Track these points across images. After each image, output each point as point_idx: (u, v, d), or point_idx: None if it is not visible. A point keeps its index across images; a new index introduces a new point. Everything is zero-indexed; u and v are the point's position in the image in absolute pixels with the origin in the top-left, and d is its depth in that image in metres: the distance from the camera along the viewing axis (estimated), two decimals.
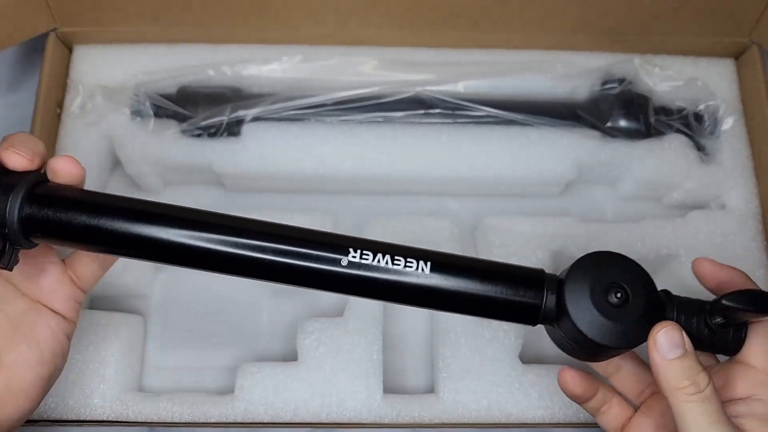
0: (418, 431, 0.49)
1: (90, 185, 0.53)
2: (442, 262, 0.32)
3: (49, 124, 0.53)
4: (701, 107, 0.56)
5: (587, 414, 0.48)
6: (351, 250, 0.32)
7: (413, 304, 0.33)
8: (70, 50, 0.57)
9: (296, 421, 0.47)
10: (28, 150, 0.33)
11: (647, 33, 0.57)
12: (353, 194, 0.58)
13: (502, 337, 0.49)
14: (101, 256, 0.38)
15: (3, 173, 0.33)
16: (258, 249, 0.32)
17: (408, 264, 0.32)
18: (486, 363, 0.49)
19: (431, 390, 0.52)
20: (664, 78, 0.56)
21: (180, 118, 0.54)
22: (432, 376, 0.52)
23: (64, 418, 0.47)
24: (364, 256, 0.32)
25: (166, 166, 0.55)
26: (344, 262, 0.32)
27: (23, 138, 0.34)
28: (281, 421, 0.47)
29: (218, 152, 0.53)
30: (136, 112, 0.54)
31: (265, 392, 0.47)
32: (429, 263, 0.32)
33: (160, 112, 0.54)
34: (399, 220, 0.52)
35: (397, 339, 0.53)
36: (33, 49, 0.61)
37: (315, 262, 0.32)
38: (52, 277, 0.38)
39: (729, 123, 0.56)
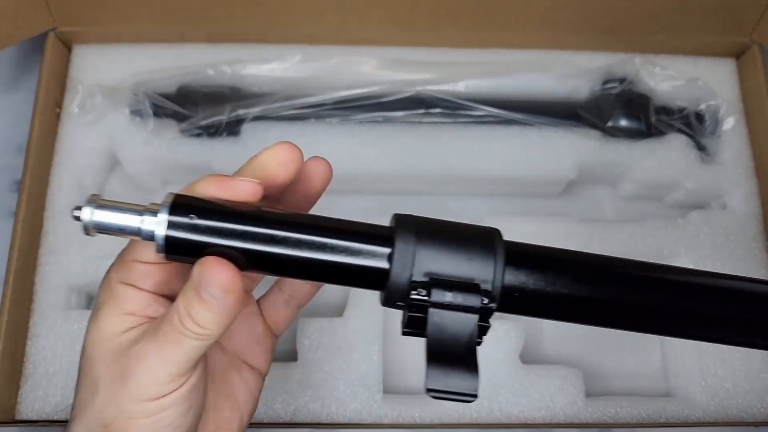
0: (418, 431, 0.48)
1: (89, 185, 0.54)
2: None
3: (48, 123, 0.53)
4: (702, 107, 0.56)
5: (587, 414, 0.48)
6: None
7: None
8: (70, 50, 0.57)
9: (296, 422, 0.47)
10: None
11: (647, 33, 0.57)
12: (353, 194, 0.58)
13: (502, 337, 0.49)
14: (300, 292, 0.34)
15: None
16: None
17: None
18: (486, 363, 0.48)
19: None
20: (665, 78, 0.56)
21: (180, 118, 0.54)
22: None
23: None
24: None
25: (166, 166, 0.54)
26: None
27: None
28: (281, 421, 0.47)
29: (218, 152, 0.53)
30: (136, 112, 0.54)
31: (264, 392, 0.47)
32: None
33: (159, 112, 0.54)
34: None
35: (397, 339, 0.53)
36: (32, 49, 0.61)
37: None
38: (253, 328, 0.34)
39: (730, 123, 0.56)
